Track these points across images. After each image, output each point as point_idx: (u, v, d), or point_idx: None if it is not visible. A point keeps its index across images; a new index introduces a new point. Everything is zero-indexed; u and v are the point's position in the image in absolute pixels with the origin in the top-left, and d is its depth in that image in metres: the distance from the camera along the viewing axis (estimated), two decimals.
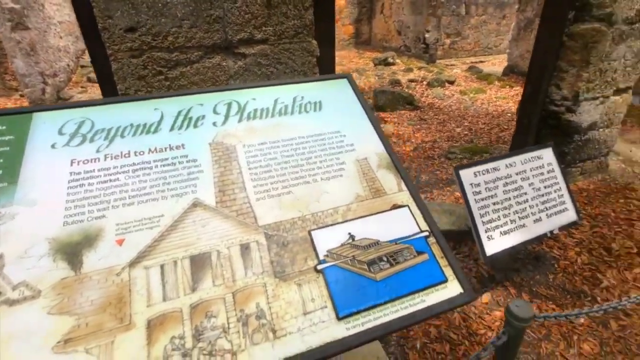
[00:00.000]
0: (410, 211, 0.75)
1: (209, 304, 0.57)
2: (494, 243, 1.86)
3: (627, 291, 2.06)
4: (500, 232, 1.89)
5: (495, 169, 1.97)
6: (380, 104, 5.10)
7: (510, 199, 1.96)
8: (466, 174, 1.89)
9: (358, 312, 0.60)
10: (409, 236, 0.71)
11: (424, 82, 6.45)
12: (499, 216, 1.91)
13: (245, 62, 1.62)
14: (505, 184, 1.97)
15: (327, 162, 0.81)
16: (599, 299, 2.03)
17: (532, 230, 1.98)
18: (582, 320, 1.91)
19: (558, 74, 2.67)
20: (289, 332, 0.56)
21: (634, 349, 1.75)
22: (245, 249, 0.65)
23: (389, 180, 0.80)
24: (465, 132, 4.29)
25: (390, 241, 0.70)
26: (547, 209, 2.05)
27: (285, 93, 0.95)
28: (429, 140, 4.08)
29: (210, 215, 0.67)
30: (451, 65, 8.81)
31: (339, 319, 0.59)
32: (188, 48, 1.51)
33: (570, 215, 2.11)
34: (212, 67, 1.57)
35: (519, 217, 1.96)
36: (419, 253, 0.69)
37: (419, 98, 5.68)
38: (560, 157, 2.89)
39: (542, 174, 2.09)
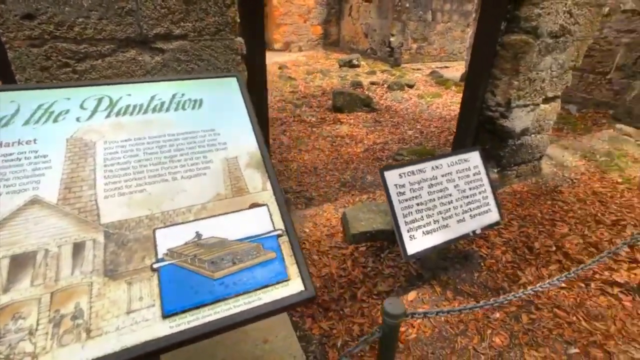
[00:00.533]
0: (269, 210, 0.76)
1: (20, 306, 0.55)
2: (416, 242, 1.92)
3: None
4: (423, 232, 1.96)
5: (421, 170, 2.04)
6: (338, 105, 5.15)
7: (434, 199, 2.03)
8: (391, 175, 1.94)
9: (186, 310, 0.60)
10: (261, 235, 0.72)
11: (385, 85, 6.58)
12: (422, 216, 1.97)
13: (164, 57, 1.58)
14: (431, 185, 2.04)
15: (193, 161, 0.80)
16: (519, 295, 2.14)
17: (455, 230, 2.06)
18: (497, 314, 2.01)
19: (493, 81, 2.80)
20: (105, 332, 0.55)
21: (539, 340, 1.86)
22: (78, 247, 0.63)
23: (255, 179, 0.81)
24: (417, 135, 4.41)
25: (240, 240, 0.70)
26: (471, 210, 2.14)
27: (165, 90, 0.94)
28: (381, 142, 4.16)
29: (47, 213, 0.65)
30: (417, 69, 9.04)
31: (165, 317, 0.59)
32: (98, 40, 1.46)
33: (493, 216, 2.22)
34: (126, 62, 1.52)
35: (442, 217, 2.03)
36: (267, 251, 0.70)
37: (378, 100, 5.79)
38: (497, 160, 3.04)
39: (468, 176, 2.18)
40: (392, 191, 1.92)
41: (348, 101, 5.14)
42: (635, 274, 2.25)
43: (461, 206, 2.11)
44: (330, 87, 6.44)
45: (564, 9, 2.60)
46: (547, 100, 2.99)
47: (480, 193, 2.20)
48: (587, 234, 2.65)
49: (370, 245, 2.44)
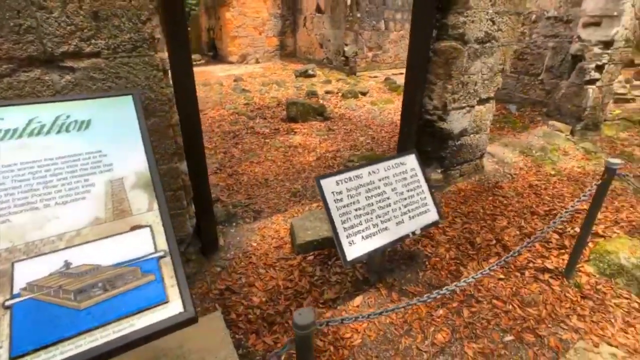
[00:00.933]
0: (152, 231, 0.73)
1: None
2: (356, 248, 1.94)
3: (480, 280, 2.28)
4: (362, 237, 1.98)
5: (357, 176, 2.07)
6: (291, 115, 5.18)
7: (372, 204, 2.07)
8: (328, 183, 1.96)
9: (41, 348, 0.56)
10: (140, 258, 0.69)
11: (339, 94, 6.70)
12: (360, 221, 2.00)
13: (75, 76, 1.51)
14: (368, 190, 2.08)
15: (72, 185, 0.76)
16: (457, 290, 2.21)
17: (395, 233, 2.11)
18: (440, 311, 2.07)
19: (429, 86, 2.93)
20: None
21: (478, 332, 1.93)
22: None
23: (141, 200, 0.78)
24: (368, 141, 4.51)
25: (116, 264, 0.68)
26: (409, 212, 2.20)
27: (48, 112, 0.89)
28: (333, 150, 4.21)
29: None
30: (374, 76, 9.29)
31: (12, 359, 0.55)
32: None
33: (431, 216, 2.29)
34: (30, 81, 1.43)
35: (381, 221, 2.07)
36: (145, 274, 0.67)
37: (332, 109, 5.88)
38: (440, 161, 3.16)
39: (405, 179, 2.25)
40: (329, 199, 1.94)
41: (301, 111, 5.18)
42: (563, 259, 2.41)
43: (400, 209, 2.17)
44: (286, 98, 6.46)
45: (487, 17, 2.78)
46: (481, 101, 3.16)
47: (418, 195, 2.27)
48: (524, 225, 2.80)
49: (318, 253, 2.44)
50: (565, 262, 2.34)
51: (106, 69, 1.56)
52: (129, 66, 1.60)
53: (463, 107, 3.03)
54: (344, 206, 1.97)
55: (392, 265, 2.38)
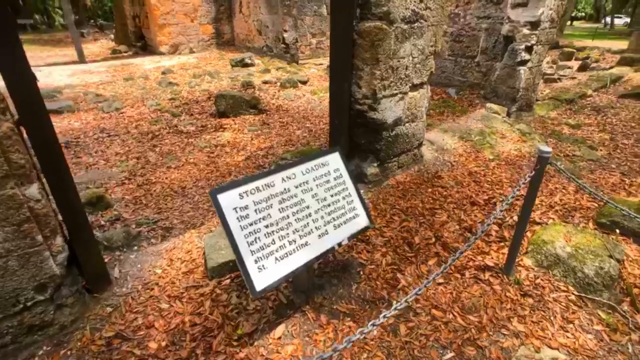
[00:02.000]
0: None
1: None
2: (267, 274, 1.60)
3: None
4: (276, 259, 1.64)
5: (268, 185, 1.71)
6: (221, 109, 4.68)
7: (288, 216, 1.73)
8: (227, 198, 1.58)
9: None
10: None
11: (278, 84, 6.27)
12: (273, 240, 1.65)
13: None
14: (282, 201, 1.73)
15: None
16: (394, 302, 1.96)
17: (317, 247, 1.79)
18: (375, 332, 1.80)
19: (356, 72, 2.62)
20: None
21: (416, 353, 1.70)
22: None
23: None
24: (305, 135, 4.17)
25: None
26: (334, 220, 1.89)
27: None
28: (265, 147, 3.82)
29: None
30: (319, 64, 8.93)
31: None
32: None
33: (361, 222, 2.01)
34: None
35: (299, 235, 1.74)
36: None
37: (268, 100, 5.45)
38: (375, 154, 2.89)
39: (327, 182, 1.93)
40: (230, 217, 1.56)
41: (232, 104, 4.70)
42: (503, 253, 2.26)
43: (322, 217, 1.85)
44: (219, 90, 5.90)
45: None
46: (414, 87, 2.93)
47: (344, 198, 1.97)
48: (464, 218, 2.63)
49: (235, 276, 2.07)
50: (506, 256, 2.18)
51: None
52: None
53: (395, 95, 2.77)
54: (251, 224, 1.61)
55: (321, 280, 2.08)
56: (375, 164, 2.97)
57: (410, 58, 2.73)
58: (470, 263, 2.23)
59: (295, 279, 1.93)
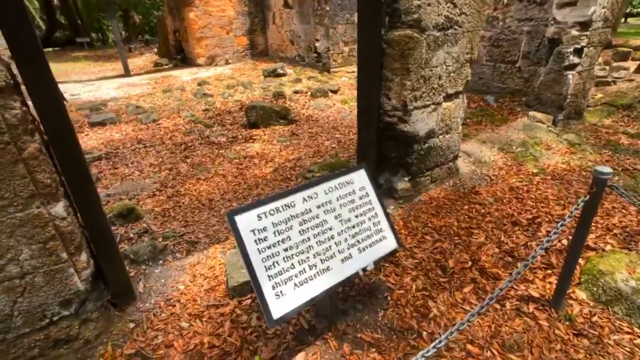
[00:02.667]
0: None
1: None
2: (285, 300, 1.51)
3: (453, 318, 1.87)
4: (295, 285, 1.55)
5: (288, 205, 1.64)
6: (252, 120, 4.72)
7: (309, 239, 1.64)
8: (245, 220, 1.52)
9: None
10: None
11: (308, 93, 6.25)
12: (292, 264, 1.57)
13: None
14: (303, 222, 1.65)
15: None
16: (424, 334, 1.80)
17: (340, 273, 1.68)
18: None
19: (385, 83, 2.50)
20: None
21: None
22: None
23: None
24: (334, 146, 4.08)
25: None
26: (359, 242, 1.78)
27: None
28: (294, 159, 3.77)
29: None
30: (352, 72, 8.84)
31: None
32: None
33: (389, 244, 1.87)
34: None
35: (321, 259, 1.64)
36: None
37: (299, 110, 5.43)
38: (406, 168, 2.74)
39: (352, 201, 1.82)
40: (248, 239, 1.50)
41: (262, 115, 4.72)
42: (550, 282, 2.01)
43: (346, 240, 1.74)
44: (251, 101, 5.99)
45: None
46: (449, 97, 2.75)
47: (370, 219, 1.85)
48: (504, 240, 2.41)
49: (256, 296, 2.00)
50: (553, 286, 1.95)
51: None
52: None
53: (427, 106, 2.61)
54: (269, 247, 1.54)
55: (345, 305, 1.96)
56: (406, 179, 2.82)
57: (444, 67, 2.57)
58: (512, 292, 2.01)
59: (318, 304, 1.83)
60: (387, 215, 1.91)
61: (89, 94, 7.76)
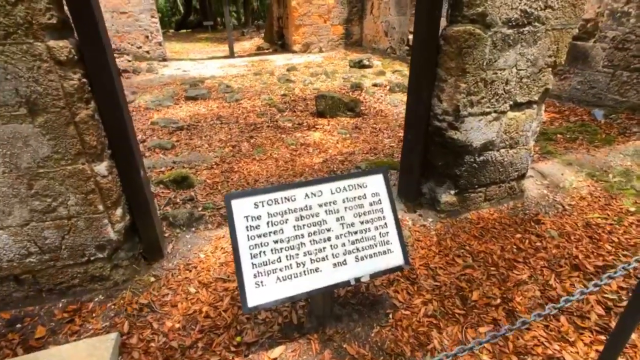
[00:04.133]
0: None
1: None
2: (264, 291, 1.53)
3: (454, 357, 1.65)
4: (278, 278, 1.55)
5: (288, 198, 1.63)
6: (320, 109, 4.76)
7: (302, 236, 1.61)
8: (241, 204, 1.56)
9: None
10: None
11: (388, 87, 6.02)
12: (279, 258, 1.57)
13: None
14: (300, 218, 1.62)
15: None
16: None
17: (328, 277, 1.62)
18: None
19: (438, 83, 2.26)
20: None
21: None
22: None
23: None
24: (393, 145, 3.88)
25: None
26: (358, 250, 1.68)
27: None
28: (347, 152, 3.71)
29: None
30: None
31: None
32: None
33: (393, 259, 1.73)
34: None
35: (311, 259, 1.61)
36: None
37: (371, 104, 5.28)
38: (453, 180, 2.48)
39: (360, 206, 1.72)
40: (240, 224, 1.55)
41: (330, 105, 4.73)
42: (597, 351, 1.61)
43: (343, 245, 1.66)
44: (328, 90, 6.05)
45: None
46: (517, 106, 2.36)
47: (377, 229, 1.73)
48: (552, 284, 2.01)
49: None
50: (598, 356, 1.56)
51: None
52: (5, 55, 1.42)
53: (486, 113, 2.28)
54: (259, 235, 1.56)
55: (342, 310, 1.89)
56: (452, 192, 2.54)
57: (514, 70, 2.19)
58: (539, 349, 1.67)
59: (313, 302, 1.81)
60: (399, 228, 1.76)
61: (196, 71, 8.79)
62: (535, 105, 2.40)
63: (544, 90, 2.34)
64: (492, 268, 2.14)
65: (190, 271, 2.17)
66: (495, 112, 2.30)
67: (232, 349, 1.70)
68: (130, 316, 1.89)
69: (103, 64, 1.68)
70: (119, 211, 1.95)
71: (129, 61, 9.17)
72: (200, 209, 2.75)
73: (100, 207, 1.84)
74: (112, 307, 1.96)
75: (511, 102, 2.31)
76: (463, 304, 1.92)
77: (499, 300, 1.92)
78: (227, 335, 1.77)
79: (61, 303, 1.99)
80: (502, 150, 2.47)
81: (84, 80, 1.65)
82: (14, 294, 1.93)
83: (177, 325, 1.83)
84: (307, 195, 1.66)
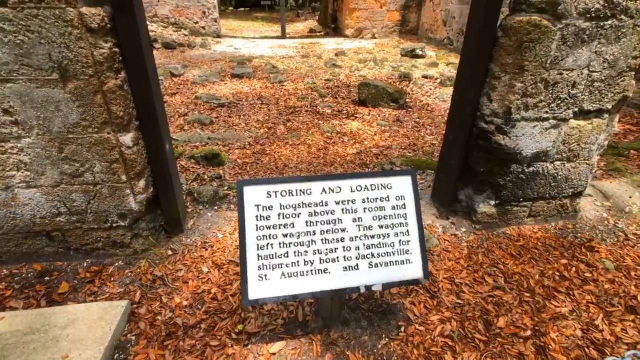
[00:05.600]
0: None
1: None
2: (267, 286, 1.46)
3: None
4: (283, 274, 1.47)
5: (304, 192, 1.53)
6: (362, 98, 4.57)
7: (314, 233, 1.51)
8: (253, 192, 1.49)
9: None
10: None
11: (438, 80, 5.63)
12: (287, 253, 1.48)
13: None
14: (314, 214, 1.52)
15: None
16: None
17: (337, 281, 1.51)
18: None
19: (490, 81, 2.01)
20: None
21: None
22: None
23: None
24: (434, 142, 3.61)
25: None
26: (372, 256, 1.55)
27: None
28: (384, 146, 3.52)
29: None
30: None
31: None
32: None
33: (411, 271, 1.58)
34: None
35: (320, 259, 1.51)
36: None
37: (418, 97, 4.98)
38: (495, 190, 2.24)
39: (381, 208, 1.58)
40: (250, 213, 1.48)
41: (374, 95, 4.51)
42: None
43: (357, 248, 1.54)
44: (375, 78, 5.80)
45: None
46: (584, 114, 2.03)
47: (397, 235, 1.58)
48: (599, 325, 1.74)
49: None
50: None
51: (15, 20, 1.43)
52: (39, 19, 1.44)
53: (543, 119, 1.99)
54: (269, 227, 1.49)
55: (351, 315, 1.78)
56: (493, 203, 2.29)
57: (585, 72, 1.88)
58: None
59: (320, 302, 1.72)
60: (422, 237, 1.60)
61: (247, 49, 8.87)
62: (606, 115, 2.06)
63: (621, 98, 1.99)
64: (526, 294, 1.91)
65: (207, 250, 2.17)
66: (554, 118, 2.00)
67: (234, 336, 1.67)
68: (144, 286, 1.92)
69: (135, 36, 1.66)
70: (142, 183, 1.97)
71: (186, 36, 9.47)
72: (226, 188, 2.75)
73: (124, 177, 1.87)
74: (129, 274, 2.01)
75: (576, 109, 1.99)
76: (486, 329, 1.73)
77: (529, 332, 1.70)
78: (230, 321, 1.74)
79: (86, 263, 2.08)
80: (557, 163, 2.17)
81: (115, 50, 1.64)
82: (46, 249, 2.05)
83: (185, 303, 1.84)
84: (324, 190, 1.54)
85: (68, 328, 1.61)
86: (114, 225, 2.00)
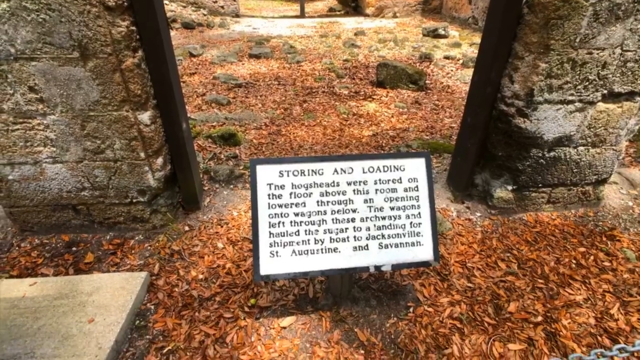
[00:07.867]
0: None
1: None
2: (278, 262, 1.50)
3: None
4: (294, 252, 1.51)
5: (315, 171, 1.54)
6: (380, 79, 4.47)
7: (325, 212, 1.53)
8: (266, 171, 1.51)
9: None
10: None
11: (460, 61, 5.43)
12: (298, 231, 1.51)
13: (10, 4, 1.47)
14: (325, 194, 1.53)
15: None
16: None
17: (346, 260, 1.53)
18: None
19: (512, 61, 1.92)
20: None
21: None
22: None
23: None
24: (453, 125, 3.53)
25: None
26: (383, 237, 1.56)
27: None
28: (400, 128, 3.46)
29: None
30: None
31: None
32: None
33: (421, 253, 1.58)
34: None
35: (330, 237, 1.53)
36: None
37: (438, 79, 4.83)
38: (513, 175, 2.19)
39: (393, 190, 1.57)
40: (262, 191, 1.50)
41: (392, 75, 4.40)
42: None
43: (368, 229, 1.55)
44: (394, 59, 5.65)
45: None
46: (613, 97, 1.93)
47: (408, 217, 1.58)
48: (614, 314, 1.71)
49: None
50: None
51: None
52: None
53: (568, 102, 1.91)
54: (281, 205, 1.51)
55: (361, 294, 1.81)
56: (510, 187, 2.24)
57: (617, 51, 1.77)
58: None
59: (330, 280, 1.76)
60: (434, 220, 1.59)
61: (265, 29, 8.76)
62: (638, 98, 1.95)
63: None
64: (540, 280, 1.88)
65: (222, 227, 2.23)
66: (580, 101, 1.91)
67: (246, 309, 1.74)
68: (162, 259, 2.01)
69: (152, 14, 1.67)
70: (159, 160, 2.03)
71: (204, 15, 9.43)
72: (241, 167, 2.79)
73: (142, 154, 1.92)
74: (149, 247, 2.10)
75: (605, 91, 1.89)
76: (496, 313, 1.73)
77: (540, 318, 1.69)
78: (243, 295, 1.81)
79: (109, 235, 2.18)
80: (581, 148, 2.09)
81: (132, 28, 1.66)
82: (73, 221, 2.16)
83: (201, 276, 1.91)
84: (336, 170, 1.55)
85: (93, 295, 1.71)
86: (134, 200, 2.08)
